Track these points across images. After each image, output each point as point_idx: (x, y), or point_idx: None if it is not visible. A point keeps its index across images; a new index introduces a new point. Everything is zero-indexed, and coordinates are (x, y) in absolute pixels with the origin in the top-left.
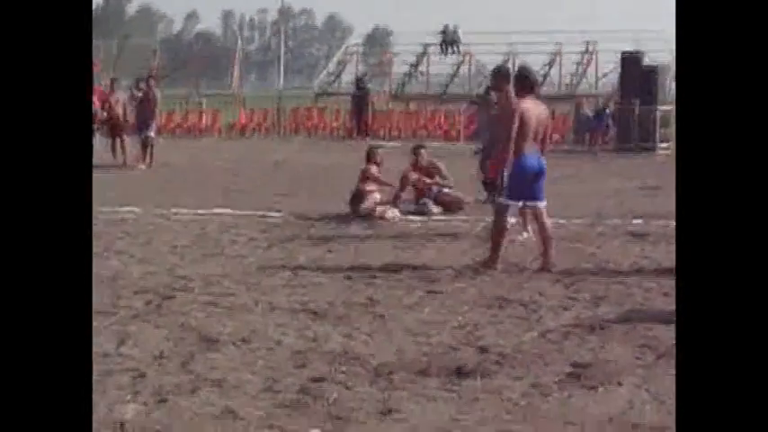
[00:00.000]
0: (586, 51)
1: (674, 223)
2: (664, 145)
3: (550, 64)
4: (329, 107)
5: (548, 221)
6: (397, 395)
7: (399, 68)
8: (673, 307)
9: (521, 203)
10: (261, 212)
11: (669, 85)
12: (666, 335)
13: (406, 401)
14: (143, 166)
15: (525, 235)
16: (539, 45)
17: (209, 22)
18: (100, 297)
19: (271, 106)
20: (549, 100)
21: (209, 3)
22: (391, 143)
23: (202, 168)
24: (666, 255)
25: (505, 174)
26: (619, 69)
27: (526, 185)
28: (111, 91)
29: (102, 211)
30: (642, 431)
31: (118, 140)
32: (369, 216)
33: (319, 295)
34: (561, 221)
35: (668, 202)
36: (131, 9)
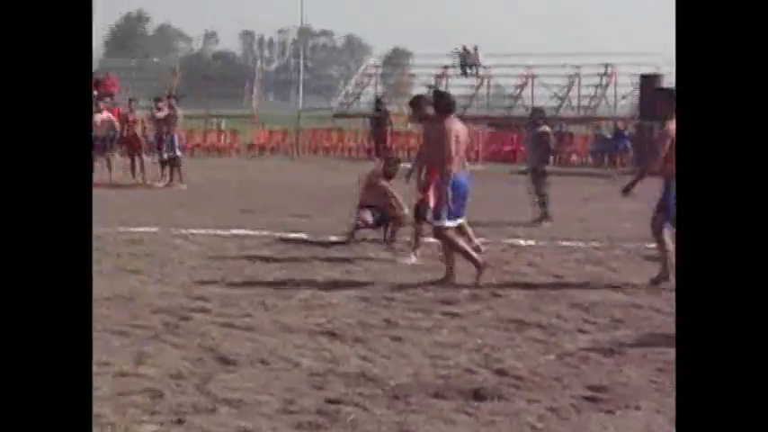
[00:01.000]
0: (605, 74)
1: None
2: None
3: (569, 86)
4: (348, 128)
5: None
6: (413, 417)
7: (418, 89)
8: None
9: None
10: (278, 233)
11: None
12: None
13: (423, 424)
14: (161, 185)
15: (413, 259)
16: (557, 67)
17: (229, 42)
18: (117, 316)
19: (289, 126)
20: (567, 122)
21: (228, 22)
22: (410, 164)
23: (220, 188)
24: None
25: (445, 194)
26: (637, 91)
27: (459, 204)
28: (130, 110)
29: (119, 231)
30: None
31: (137, 160)
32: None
33: (337, 316)
34: (579, 244)
35: None
36: (150, 28)
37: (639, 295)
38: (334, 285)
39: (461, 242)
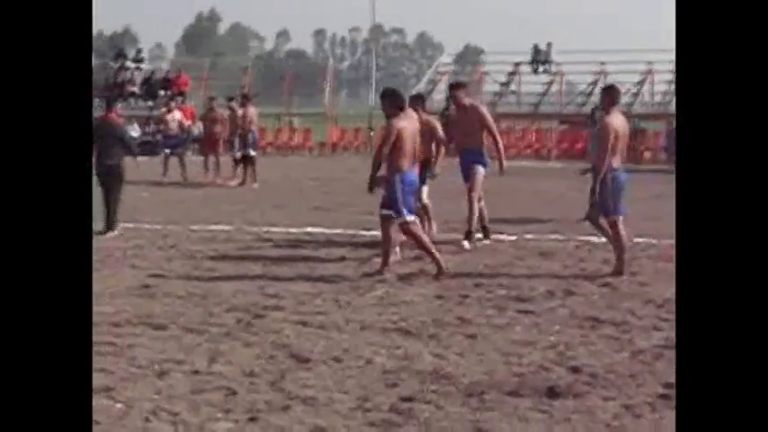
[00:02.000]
0: None
1: None
2: None
3: (642, 82)
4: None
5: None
6: (488, 415)
7: (490, 87)
8: None
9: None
10: (352, 231)
11: None
12: None
13: (497, 421)
14: (234, 184)
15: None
16: (630, 63)
17: (301, 41)
18: (191, 314)
19: (362, 124)
20: (641, 118)
21: (300, 21)
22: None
23: (294, 186)
24: None
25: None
26: None
27: (411, 199)
28: (211, 109)
29: (193, 230)
30: None
31: (210, 158)
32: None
33: (411, 314)
34: (652, 241)
35: None
36: (223, 27)
37: None
38: (407, 283)
39: (428, 240)
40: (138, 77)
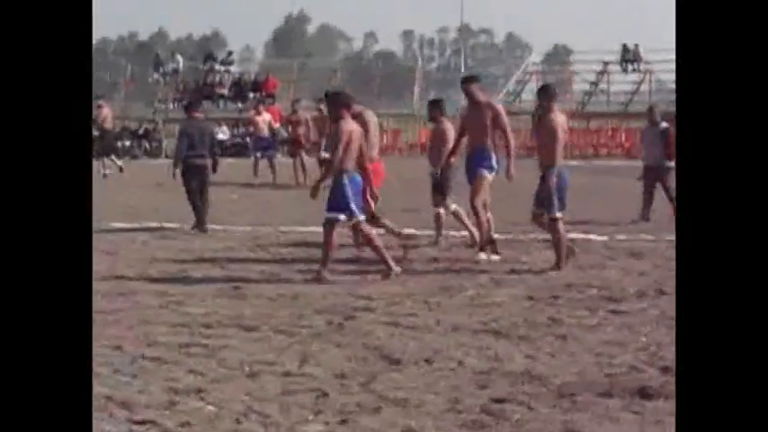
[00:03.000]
0: None
1: None
2: None
3: None
4: (509, 126)
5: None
6: (579, 416)
7: (579, 86)
8: None
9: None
10: (443, 231)
11: None
12: None
13: (588, 423)
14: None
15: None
16: None
17: (389, 42)
18: (282, 316)
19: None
20: None
21: (388, 22)
22: (573, 161)
23: (383, 187)
24: None
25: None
26: None
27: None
28: (294, 111)
29: (282, 231)
30: None
31: (298, 160)
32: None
33: (501, 315)
34: None
35: None
36: (311, 29)
37: None
38: (498, 284)
39: (378, 240)
40: (228, 80)
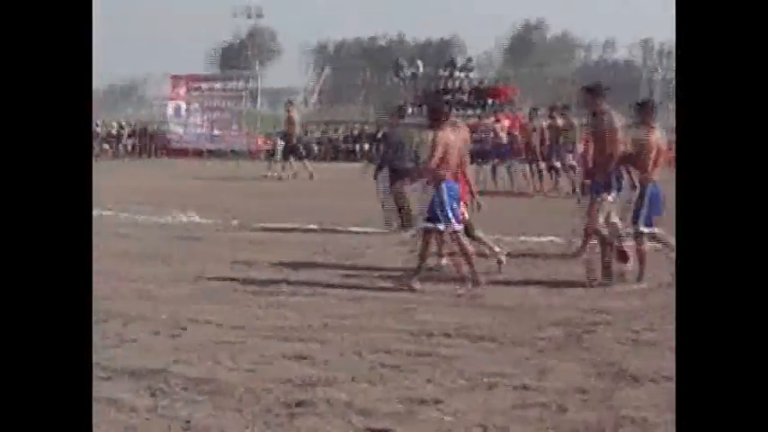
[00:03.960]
0: None
1: None
2: None
3: None
4: None
5: None
6: None
7: None
8: None
9: None
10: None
11: None
12: None
13: None
14: (555, 194)
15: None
16: None
17: (627, 50)
18: (518, 327)
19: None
20: None
21: (627, 30)
22: None
23: None
24: None
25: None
26: None
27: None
28: (530, 120)
29: (521, 240)
30: None
31: (533, 168)
32: None
33: None
34: None
35: None
36: (549, 36)
37: None
38: None
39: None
40: (467, 86)
